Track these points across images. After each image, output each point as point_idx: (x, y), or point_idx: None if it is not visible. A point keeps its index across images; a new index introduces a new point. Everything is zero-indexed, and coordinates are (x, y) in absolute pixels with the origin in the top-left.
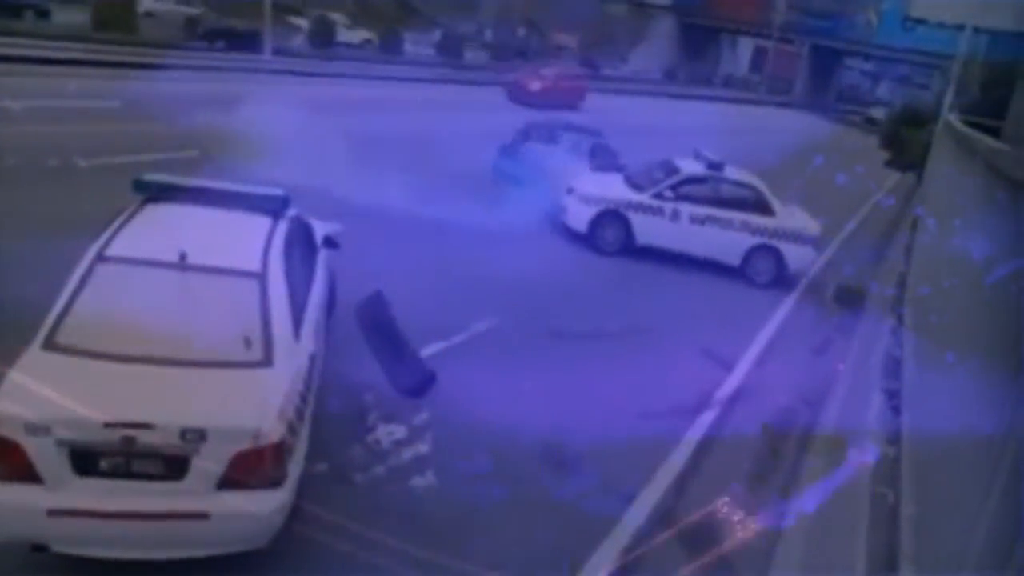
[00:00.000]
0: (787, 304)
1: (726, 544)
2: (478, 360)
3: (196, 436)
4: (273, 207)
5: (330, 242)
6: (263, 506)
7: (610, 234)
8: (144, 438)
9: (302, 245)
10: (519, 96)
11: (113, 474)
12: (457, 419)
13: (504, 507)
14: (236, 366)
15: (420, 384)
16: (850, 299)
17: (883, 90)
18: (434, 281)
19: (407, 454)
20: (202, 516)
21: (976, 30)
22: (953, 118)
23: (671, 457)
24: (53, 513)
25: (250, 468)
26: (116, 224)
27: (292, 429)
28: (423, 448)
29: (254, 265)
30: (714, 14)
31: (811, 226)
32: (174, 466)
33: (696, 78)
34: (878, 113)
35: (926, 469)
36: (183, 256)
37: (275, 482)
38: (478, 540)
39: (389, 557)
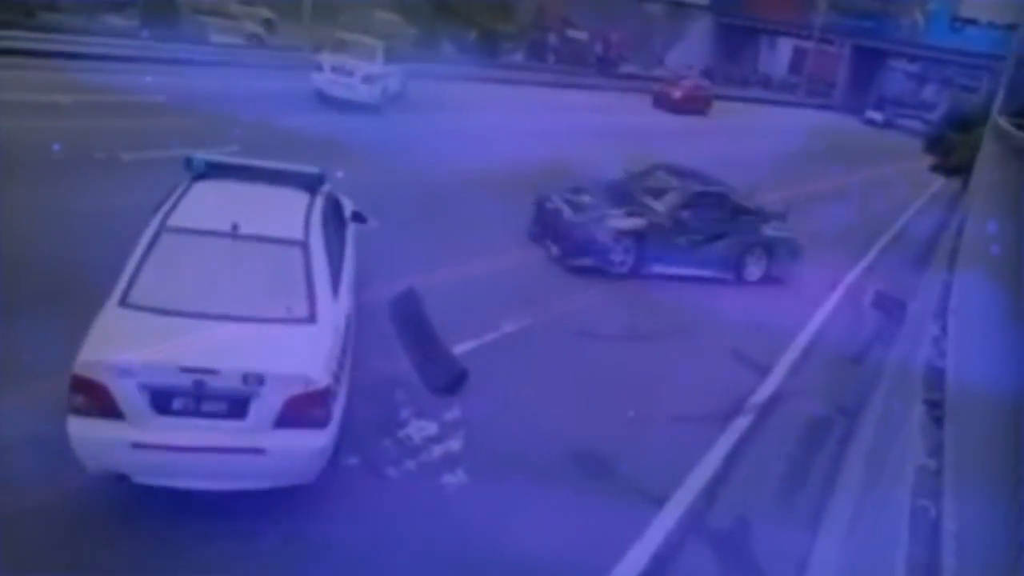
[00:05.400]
0: (824, 310)
1: (757, 550)
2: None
3: (256, 381)
4: (310, 183)
5: (358, 216)
6: (312, 443)
7: None
8: (212, 382)
9: (335, 218)
10: (664, 103)
11: (185, 413)
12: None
13: (535, 508)
14: (286, 322)
15: (452, 381)
16: (890, 306)
17: (928, 92)
18: None
19: (438, 451)
20: (260, 451)
21: None
22: (1003, 121)
23: (703, 461)
24: (136, 446)
25: (301, 410)
26: (173, 199)
27: (336, 377)
28: (454, 445)
29: (297, 234)
30: (752, 14)
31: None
32: (237, 407)
33: (733, 79)
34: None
35: (971, 483)
36: (235, 227)
37: (322, 423)
38: (508, 540)
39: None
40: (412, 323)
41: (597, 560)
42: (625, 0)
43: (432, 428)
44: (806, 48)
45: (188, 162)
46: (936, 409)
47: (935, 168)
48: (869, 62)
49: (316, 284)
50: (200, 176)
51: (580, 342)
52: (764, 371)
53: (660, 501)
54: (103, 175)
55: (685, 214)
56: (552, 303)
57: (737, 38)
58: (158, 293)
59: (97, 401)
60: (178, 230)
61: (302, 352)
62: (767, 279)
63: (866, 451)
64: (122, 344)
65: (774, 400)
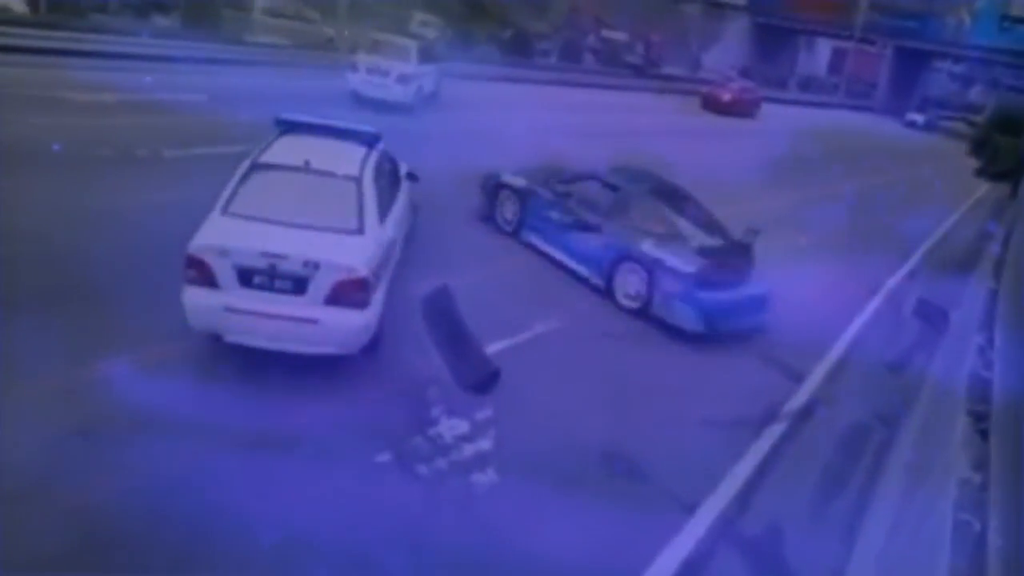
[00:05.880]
0: (863, 316)
1: (791, 560)
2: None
3: (313, 266)
4: (368, 139)
5: (411, 176)
6: (353, 320)
7: None
8: (281, 265)
9: (389, 170)
10: (712, 105)
11: (262, 287)
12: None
13: (563, 510)
14: (340, 232)
15: (484, 380)
16: (932, 315)
17: (974, 93)
18: None
19: (469, 450)
20: (314, 321)
21: None
22: None
23: (737, 467)
24: (227, 310)
25: (345, 292)
26: (263, 146)
27: (375, 275)
28: (485, 444)
29: (354, 172)
30: (790, 14)
31: None
32: (299, 285)
33: (771, 80)
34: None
35: (1019, 499)
36: (307, 163)
37: (361, 305)
38: (536, 542)
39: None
40: (445, 321)
41: (626, 564)
42: (661, 1)
43: (464, 427)
44: (846, 49)
45: (277, 120)
46: (981, 421)
47: (980, 172)
48: (912, 63)
49: (365, 208)
50: (285, 132)
51: (607, 344)
52: (799, 377)
53: (691, 507)
54: (145, 172)
55: (561, 189)
56: (577, 304)
57: (775, 38)
58: (249, 206)
59: (202, 275)
60: (266, 165)
61: (349, 251)
62: (650, 316)
63: (906, 461)
64: (222, 236)
65: (810, 407)
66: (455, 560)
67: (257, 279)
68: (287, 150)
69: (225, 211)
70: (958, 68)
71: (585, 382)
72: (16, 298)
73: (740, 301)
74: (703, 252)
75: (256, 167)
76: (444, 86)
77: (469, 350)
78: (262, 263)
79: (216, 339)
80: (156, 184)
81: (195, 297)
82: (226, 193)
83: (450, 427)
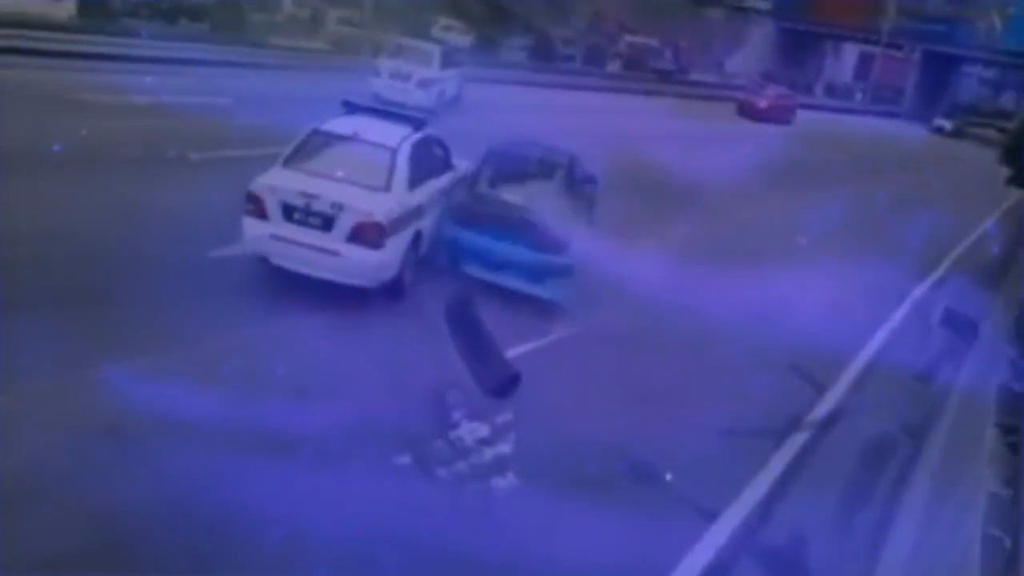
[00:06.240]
0: (889, 325)
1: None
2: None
3: (338, 207)
4: (415, 123)
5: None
6: (369, 258)
7: None
8: (314, 204)
9: (436, 153)
10: (748, 112)
11: (299, 222)
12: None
13: (583, 516)
14: (369, 188)
15: (504, 384)
16: (960, 325)
17: (1006, 99)
18: None
19: (489, 453)
20: (337, 254)
21: None
22: None
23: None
24: (272, 237)
25: (363, 233)
26: (328, 120)
27: (391, 223)
28: (505, 448)
29: (392, 144)
30: (816, 19)
31: None
32: (326, 223)
33: (797, 85)
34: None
35: None
36: (355, 133)
37: (376, 246)
38: (555, 548)
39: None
40: (466, 324)
41: (645, 572)
42: (685, 6)
43: (484, 430)
44: (873, 54)
45: (343, 103)
46: (1010, 435)
47: (1011, 180)
48: (941, 68)
49: (395, 173)
50: (348, 112)
51: (628, 351)
52: (822, 386)
53: (712, 514)
54: (174, 173)
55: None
56: (599, 309)
57: (800, 43)
58: (303, 161)
59: (257, 208)
60: (324, 132)
61: (372, 200)
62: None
63: (933, 474)
64: (275, 179)
65: (834, 416)
66: (474, 563)
67: (296, 214)
68: (344, 123)
69: (284, 164)
70: (988, 73)
71: (606, 388)
72: (39, 298)
73: (502, 254)
74: (476, 197)
75: (315, 133)
76: (467, 90)
77: (490, 354)
78: (300, 201)
79: (263, 261)
80: (184, 185)
81: (250, 226)
82: (288, 150)
83: (471, 430)
